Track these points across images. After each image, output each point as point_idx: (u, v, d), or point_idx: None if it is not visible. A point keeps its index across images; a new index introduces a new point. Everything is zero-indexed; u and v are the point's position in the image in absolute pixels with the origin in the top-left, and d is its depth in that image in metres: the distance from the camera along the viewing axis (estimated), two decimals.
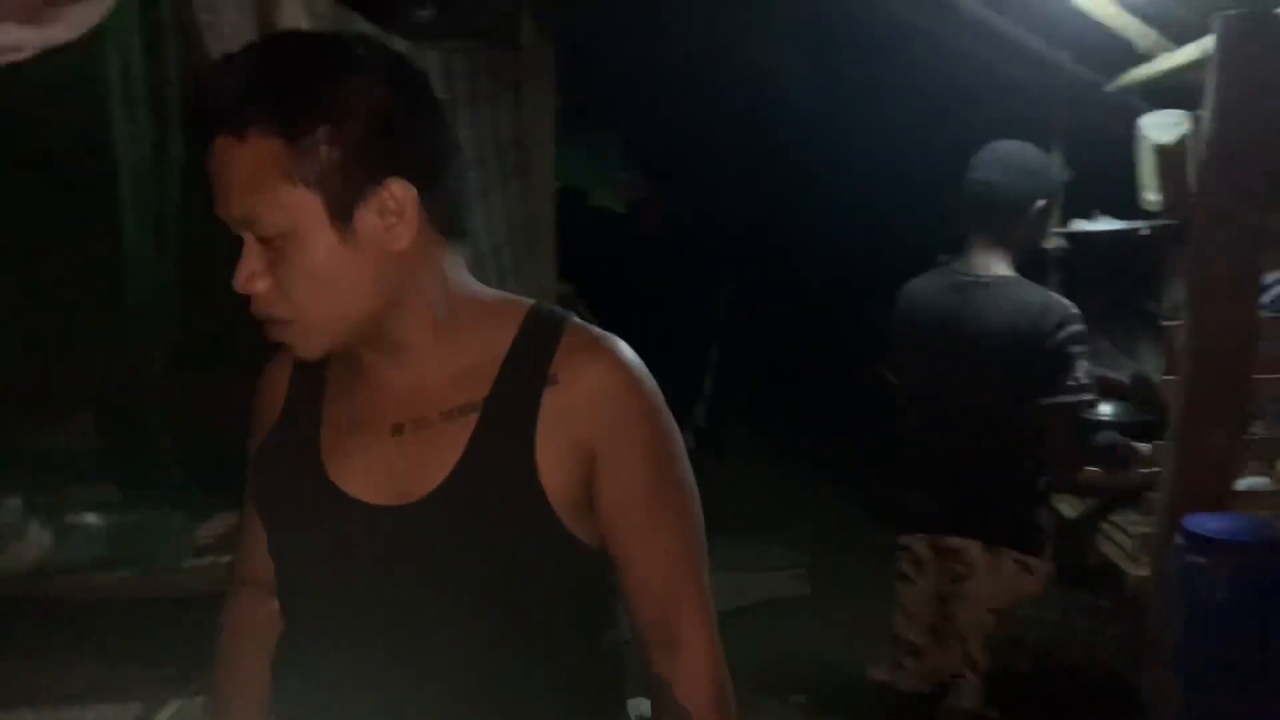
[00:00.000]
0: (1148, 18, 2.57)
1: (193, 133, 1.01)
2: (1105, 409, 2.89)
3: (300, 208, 0.97)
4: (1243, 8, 2.06)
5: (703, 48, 4.61)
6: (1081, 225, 3.21)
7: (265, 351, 1.16)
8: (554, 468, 1.03)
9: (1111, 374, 3.07)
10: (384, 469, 1.06)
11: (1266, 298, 2.31)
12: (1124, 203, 2.71)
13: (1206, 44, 2.16)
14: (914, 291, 2.49)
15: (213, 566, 2.09)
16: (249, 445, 1.19)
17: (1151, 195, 2.43)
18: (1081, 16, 2.64)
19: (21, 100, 1.83)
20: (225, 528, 2.15)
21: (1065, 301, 2.31)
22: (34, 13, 1.45)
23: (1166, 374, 2.33)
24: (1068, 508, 2.77)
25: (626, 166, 6.32)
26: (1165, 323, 2.36)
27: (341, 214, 0.98)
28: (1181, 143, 2.25)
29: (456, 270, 1.09)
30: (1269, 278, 2.31)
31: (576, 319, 1.11)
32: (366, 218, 0.99)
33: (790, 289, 5.77)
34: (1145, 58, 2.67)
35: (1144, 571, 2.36)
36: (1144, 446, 2.54)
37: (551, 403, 1.04)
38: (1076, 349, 2.26)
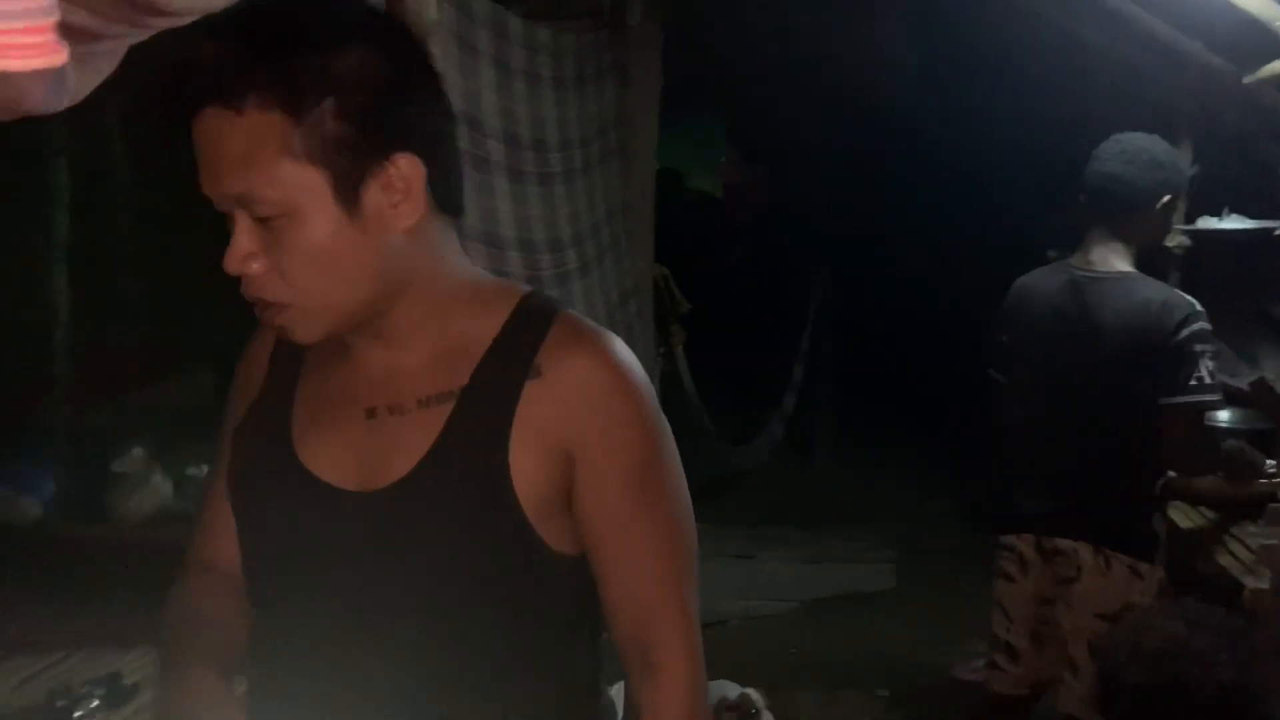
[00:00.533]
0: None
1: (169, 105, 0.91)
2: (1223, 415, 2.79)
3: (303, 186, 0.91)
4: None
5: (813, 31, 4.55)
6: (1210, 223, 3.09)
7: None
8: (527, 466, 0.97)
9: (1231, 380, 2.96)
10: (354, 453, 1.01)
11: None
12: (1257, 202, 2.60)
13: None
14: (1028, 287, 2.43)
15: None
16: (225, 419, 1.13)
17: None
18: (1217, 2, 2.52)
19: None
20: None
21: (1189, 298, 2.23)
22: None
23: None
24: (1180, 515, 2.68)
25: (725, 149, 6.28)
26: None
27: (348, 192, 0.92)
28: None
29: (452, 250, 1.03)
30: None
31: (571, 310, 1.05)
32: (373, 195, 0.94)
33: (888, 280, 5.68)
34: None
35: (1262, 584, 2.27)
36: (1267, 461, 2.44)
37: (532, 396, 0.98)
38: (1200, 347, 2.18)
